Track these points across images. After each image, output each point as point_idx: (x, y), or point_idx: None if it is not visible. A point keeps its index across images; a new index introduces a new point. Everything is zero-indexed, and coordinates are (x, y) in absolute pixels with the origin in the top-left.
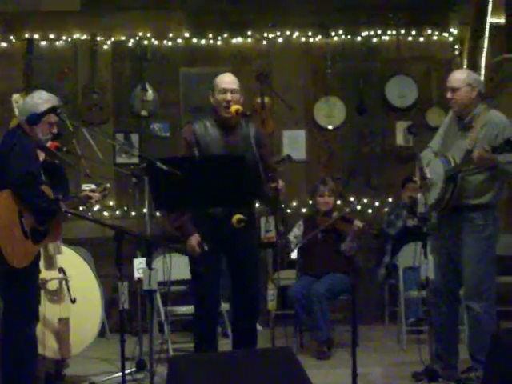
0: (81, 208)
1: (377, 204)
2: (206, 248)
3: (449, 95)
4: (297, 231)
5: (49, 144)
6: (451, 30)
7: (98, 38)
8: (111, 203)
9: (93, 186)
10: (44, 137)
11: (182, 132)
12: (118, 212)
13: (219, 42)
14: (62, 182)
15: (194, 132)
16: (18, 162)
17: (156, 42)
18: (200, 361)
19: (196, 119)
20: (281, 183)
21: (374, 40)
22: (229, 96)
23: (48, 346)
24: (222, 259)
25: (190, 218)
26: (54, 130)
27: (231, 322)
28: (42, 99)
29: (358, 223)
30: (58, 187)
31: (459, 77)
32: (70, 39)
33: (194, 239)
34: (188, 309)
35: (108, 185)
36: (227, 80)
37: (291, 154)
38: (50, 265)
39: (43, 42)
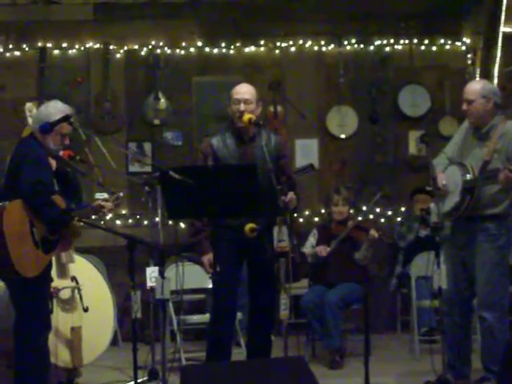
0: (93, 217)
1: (389, 213)
2: (217, 269)
3: (464, 107)
4: (312, 240)
5: (61, 153)
6: (464, 39)
7: (111, 47)
8: (124, 212)
9: (106, 195)
10: (55, 147)
11: (200, 145)
12: (130, 221)
13: (232, 51)
14: (76, 191)
15: (212, 145)
16: (29, 171)
17: (169, 51)
18: (213, 370)
19: (215, 132)
20: (290, 196)
21: (387, 49)
22: (242, 106)
23: (60, 354)
24: (241, 269)
25: (207, 237)
26: (67, 142)
27: (246, 330)
28: (56, 109)
29: (373, 232)
30: (71, 196)
31: (474, 89)
32: (82, 48)
33: (206, 259)
34: (200, 318)
35: (121, 194)
36: (241, 90)
37: (303, 163)
38: (63, 273)
39: (56, 51)
